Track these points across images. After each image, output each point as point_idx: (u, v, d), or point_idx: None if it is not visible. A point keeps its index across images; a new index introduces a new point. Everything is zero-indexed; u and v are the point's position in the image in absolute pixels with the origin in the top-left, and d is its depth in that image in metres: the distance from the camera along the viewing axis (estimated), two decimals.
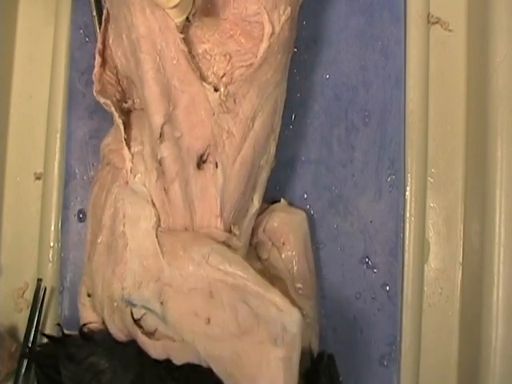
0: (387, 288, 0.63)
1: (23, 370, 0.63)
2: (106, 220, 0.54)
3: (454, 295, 0.65)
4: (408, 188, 0.63)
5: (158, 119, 0.50)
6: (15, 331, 0.68)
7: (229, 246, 0.52)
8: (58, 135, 0.68)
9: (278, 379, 0.46)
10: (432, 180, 0.66)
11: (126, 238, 0.52)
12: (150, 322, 0.50)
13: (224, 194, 0.52)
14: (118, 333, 0.54)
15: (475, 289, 0.61)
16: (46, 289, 0.67)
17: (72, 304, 0.66)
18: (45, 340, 0.59)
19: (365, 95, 0.65)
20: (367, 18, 0.65)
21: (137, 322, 0.51)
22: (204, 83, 0.50)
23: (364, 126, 0.64)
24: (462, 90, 0.66)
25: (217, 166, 0.51)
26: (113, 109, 0.54)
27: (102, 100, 0.54)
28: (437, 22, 0.66)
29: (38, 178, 0.71)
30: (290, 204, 0.63)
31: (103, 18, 0.57)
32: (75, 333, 0.55)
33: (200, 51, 0.52)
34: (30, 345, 0.64)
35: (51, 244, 0.68)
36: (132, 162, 0.53)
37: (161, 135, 0.50)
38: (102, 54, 0.56)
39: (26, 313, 0.66)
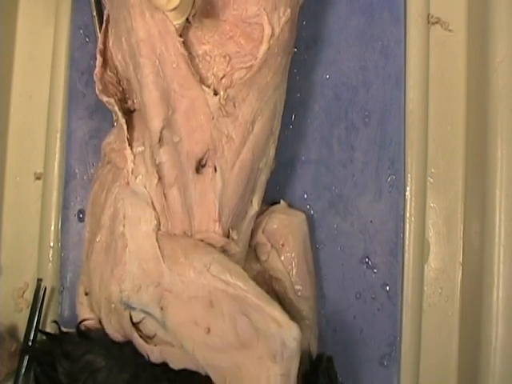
0: (387, 288, 0.63)
1: (23, 370, 0.63)
2: (105, 219, 0.54)
3: (454, 295, 0.65)
4: (408, 188, 0.63)
5: (157, 124, 0.50)
6: (15, 331, 0.68)
7: (227, 251, 0.52)
8: (58, 135, 0.68)
9: None
10: (432, 180, 0.66)
11: (126, 240, 0.52)
12: (149, 326, 0.50)
13: (222, 199, 0.51)
14: (115, 333, 0.54)
15: (475, 289, 0.61)
16: (45, 289, 0.67)
17: (72, 304, 0.66)
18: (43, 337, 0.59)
19: (365, 95, 0.65)
20: (367, 18, 0.65)
21: (135, 324, 0.51)
22: (204, 87, 0.50)
23: (364, 126, 0.64)
24: (462, 90, 0.66)
25: (216, 171, 0.51)
26: (116, 108, 0.54)
27: (105, 99, 0.54)
28: (437, 22, 0.66)
29: (38, 178, 0.71)
30: (290, 205, 0.63)
31: (104, 18, 0.57)
32: (72, 330, 0.55)
33: (200, 52, 0.51)
34: (30, 345, 0.64)
35: (51, 244, 0.68)
36: (134, 163, 0.53)
37: (160, 140, 0.50)
38: (103, 55, 0.56)
39: (26, 313, 0.66)
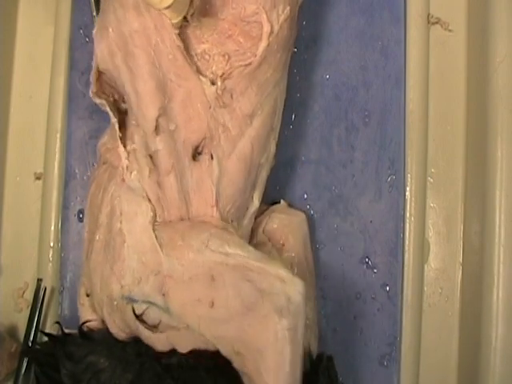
0: (387, 288, 0.63)
1: (23, 370, 0.63)
2: (102, 218, 0.54)
3: (454, 295, 0.65)
4: (408, 188, 0.63)
5: (152, 112, 0.50)
6: (15, 331, 0.68)
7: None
8: (58, 135, 0.68)
9: (285, 350, 0.47)
10: (432, 180, 0.66)
11: (124, 235, 0.52)
12: (152, 315, 0.51)
13: (219, 186, 0.52)
14: (119, 332, 0.54)
15: (475, 289, 0.61)
16: (45, 289, 0.67)
17: (72, 304, 0.66)
18: (45, 339, 0.59)
19: (365, 95, 0.65)
20: (367, 18, 0.65)
21: (139, 317, 0.51)
22: (201, 77, 0.51)
23: (364, 126, 0.64)
24: (462, 90, 0.66)
25: (212, 158, 0.52)
26: (108, 108, 0.54)
27: (97, 101, 0.55)
28: (437, 22, 0.66)
29: (38, 178, 0.71)
30: (290, 205, 0.63)
31: None
32: (75, 331, 0.55)
33: (199, 51, 0.52)
34: (30, 345, 0.64)
35: (51, 244, 0.68)
36: (128, 160, 0.53)
37: (156, 128, 0.51)
38: None
39: (26, 313, 0.66)
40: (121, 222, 0.52)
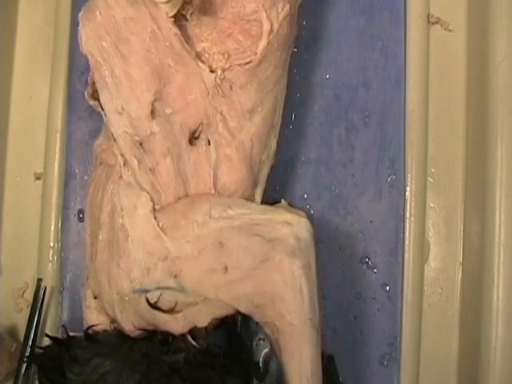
0: (387, 288, 0.63)
1: (23, 370, 0.63)
2: (104, 218, 0.54)
3: (454, 295, 0.65)
4: (408, 188, 0.63)
5: (148, 97, 0.51)
6: (15, 331, 0.68)
7: None
8: (58, 135, 0.68)
9: (303, 286, 0.50)
10: (432, 180, 0.66)
11: (126, 230, 0.52)
12: (168, 298, 0.52)
13: (218, 171, 0.53)
14: (132, 328, 0.54)
15: (475, 289, 0.61)
16: (45, 289, 0.67)
17: (72, 304, 0.66)
18: (46, 341, 0.59)
19: (365, 95, 0.65)
20: (367, 18, 0.65)
21: (154, 305, 0.52)
22: (199, 63, 0.51)
23: (364, 126, 0.64)
24: (462, 90, 0.66)
25: (209, 144, 0.52)
26: (100, 109, 0.55)
27: (91, 102, 0.56)
28: (437, 22, 0.66)
29: (38, 178, 0.71)
30: (291, 205, 0.63)
31: None
32: (79, 334, 0.55)
33: (198, 50, 0.52)
34: (30, 345, 0.64)
35: (51, 244, 0.68)
36: (125, 158, 0.54)
37: (152, 112, 0.51)
38: None
39: (26, 313, 0.66)
40: (122, 218, 0.53)
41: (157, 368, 0.51)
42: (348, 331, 0.63)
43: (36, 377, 0.58)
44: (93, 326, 0.56)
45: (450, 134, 0.66)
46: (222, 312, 0.52)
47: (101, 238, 0.55)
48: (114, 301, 0.54)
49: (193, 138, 0.52)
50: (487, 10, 0.61)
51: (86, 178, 0.67)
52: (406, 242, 0.63)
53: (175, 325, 0.52)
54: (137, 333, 0.54)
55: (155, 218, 0.52)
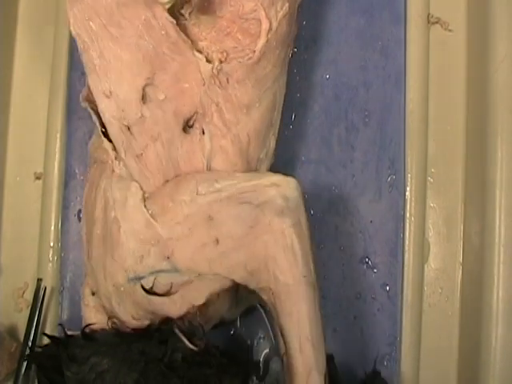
0: (387, 288, 0.63)
1: (23, 370, 0.63)
2: (98, 214, 0.55)
3: (454, 295, 0.64)
4: (408, 188, 0.63)
5: (139, 81, 0.50)
6: (15, 331, 0.68)
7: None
8: (58, 135, 0.68)
9: (295, 245, 0.49)
10: (432, 180, 0.66)
11: (118, 222, 0.52)
12: (162, 282, 0.51)
13: (211, 161, 0.53)
14: (131, 320, 0.54)
15: (475, 289, 0.61)
16: (45, 289, 0.67)
17: (72, 304, 0.66)
18: (46, 340, 0.59)
19: (365, 95, 0.65)
20: (367, 18, 0.65)
21: (149, 291, 0.51)
22: (196, 53, 0.51)
23: (364, 126, 0.64)
24: (462, 89, 0.66)
25: (203, 133, 0.52)
26: (89, 108, 0.55)
27: (83, 104, 0.56)
28: (437, 22, 0.66)
29: (38, 178, 0.70)
30: None
31: None
32: (77, 333, 0.55)
33: (197, 49, 0.52)
34: (30, 345, 0.64)
35: (51, 244, 0.68)
36: (115, 151, 0.54)
37: (143, 97, 0.51)
38: None
39: (26, 313, 0.66)
40: (115, 210, 0.53)
41: (154, 367, 0.51)
42: (348, 331, 0.63)
43: (36, 376, 0.58)
44: (90, 324, 0.56)
45: (449, 134, 0.66)
46: (217, 286, 0.51)
47: (95, 233, 0.55)
48: (110, 293, 0.54)
49: (187, 127, 0.52)
50: (487, 10, 0.61)
51: (85, 178, 0.67)
52: (406, 242, 0.63)
53: (173, 306, 0.52)
54: (136, 323, 0.54)
55: (145, 206, 0.52)
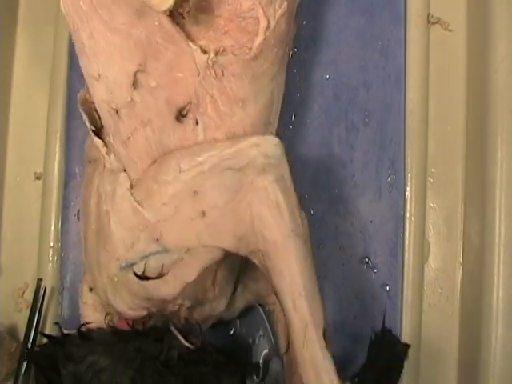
0: (387, 288, 0.63)
1: (23, 370, 0.63)
2: (92, 210, 0.55)
3: (454, 295, 0.64)
4: (408, 188, 0.63)
5: (130, 67, 0.50)
6: (15, 331, 0.68)
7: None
8: (58, 135, 0.68)
9: (279, 199, 0.48)
10: (432, 180, 0.66)
11: (109, 214, 0.52)
12: (153, 265, 0.51)
13: None
14: (128, 311, 0.54)
15: (475, 289, 0.61)
16: (45, 289, 0.67)
17: (72, 304, 0.66)
18: (45, 340, 0.59)
19: (365, 95, 0.65)
20: (367, 18, 0.65)
21: (142, 276, 0.51)
22: (191, 43, 0.50)
23: (364, 126, 0.64)
24: (462, 89, 0.66)
25: (197, 124, 0.52)
26: (80, 109, 0.55)
27: (78, 105, 0.56)
28: (437, 22, 0.66)
29: (38, 178, 0.71)
30: None
31: None
32: (74, 332, 0.55)
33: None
34: (29, 345, 0.64)
35: (51, 244, 0.68)
36: (106, 147, 0.54)
37: (134, 83, 0.51)
38: None
39: (26, 313, 0.66)
40: (106, 204, 0.53)
41: (150, 365, 0.51)
42: (348, 331, 0.63)
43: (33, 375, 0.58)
44: (86, 323, 0.56)
45: (449, 134, 0.66)
46: (208, 258, 0.51)
47: (90, 229, 0.55)
48: (105, 286, 0.54)
49: (180, 116, 0.52)
50: (487, 10, 0.61)
51: None
52: (406, 242, 0.63)
53: (166, 287, 0.51)
54: (133, 314, 0.54)
55: (132, 194, 0.52)
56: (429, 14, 0.66)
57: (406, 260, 0.63)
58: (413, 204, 0.63)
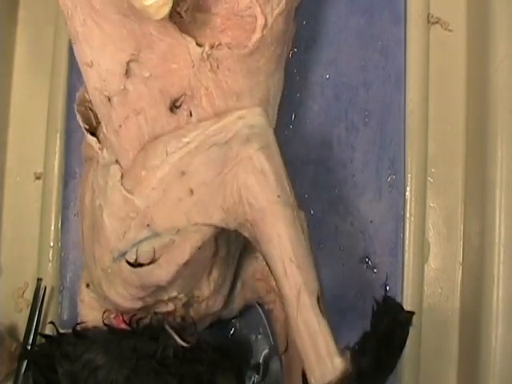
0: (387, 288, 0.63)
1: (23, 370, 0.63)
2: (87, 206, 0.55)
3: (454, 295, 0.64)
4: (408, 188, 0.64)
5: (124, 56, 0.50)
6: (15, 331, 0.68)
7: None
8: (58, 135, 0.68)
9: (264, 165, 0.48)
10: (432, 180, 0.66)
11: (101, 207, 0.52)
12: (145, 250, 0.51)
13: None
14: (124, 302, 0.54)
15: (475, 289, 0.61)
16: (45, 288, 0.67)
17: (72, 304, 0.66)
18: (44, 340, 0.59)
19: (365, 95, 0.65)
20: (367, 18, 0.65)
21: (134, 264, 0.51)
22: (185, 36, 0.50)
23: (364, 126, 0.64)
24: (462, 89, 0.66)
25: (191, 115, 0.52)
26: (76, 110, 0.55)
27: (76, 105, 0.56)
28: (437, 22, 0.66)
29: (38, 178, 0.71)
30: None
31: None
32: (70, 331, 0.55)
33: None
34: (29, 344, 0.64)
35: (51, 244, 0.68)
36: (100, 143, 0.54)
37: (127, 72, 0.51)
38: None
39: (26, 313, 0.66)
40: (99, 198, 0.53)
41: (146, 363, 0.51)
42: (348, 331, 0.63)
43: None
44: (82, 322, 0.56)
45: (449, 134, 0.66)
46: (198, 238, 0.50)
47: (86, 225, 0.55)
48: (100, 279, 0.54)
49: (174, 107, 0.52)
50: (487, 10, 0.61)
51: None
52: (406, 242, 0.63)
53: (160, 272, 0.51)
54: (129, 305, 0.54)
55: (122, 184, 0.52)
56: (429, 14, 0.66)
57: (406, 260, 0.63)
58: (413, 204, 0.63)
